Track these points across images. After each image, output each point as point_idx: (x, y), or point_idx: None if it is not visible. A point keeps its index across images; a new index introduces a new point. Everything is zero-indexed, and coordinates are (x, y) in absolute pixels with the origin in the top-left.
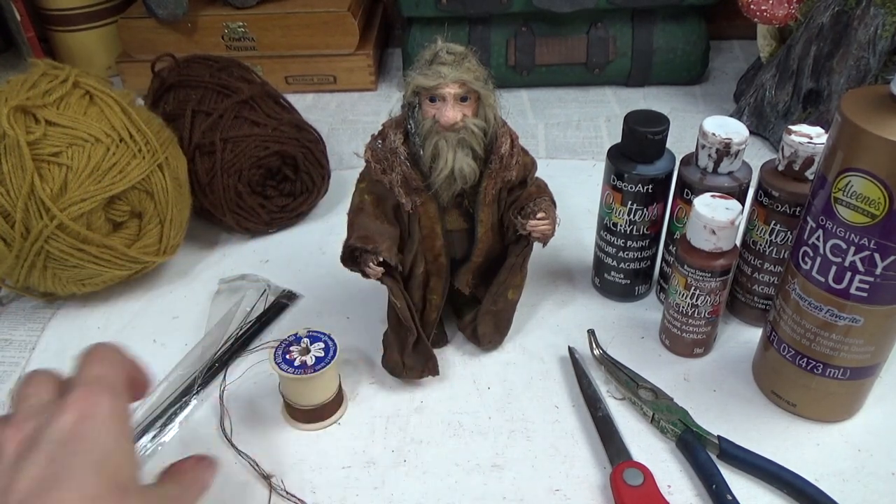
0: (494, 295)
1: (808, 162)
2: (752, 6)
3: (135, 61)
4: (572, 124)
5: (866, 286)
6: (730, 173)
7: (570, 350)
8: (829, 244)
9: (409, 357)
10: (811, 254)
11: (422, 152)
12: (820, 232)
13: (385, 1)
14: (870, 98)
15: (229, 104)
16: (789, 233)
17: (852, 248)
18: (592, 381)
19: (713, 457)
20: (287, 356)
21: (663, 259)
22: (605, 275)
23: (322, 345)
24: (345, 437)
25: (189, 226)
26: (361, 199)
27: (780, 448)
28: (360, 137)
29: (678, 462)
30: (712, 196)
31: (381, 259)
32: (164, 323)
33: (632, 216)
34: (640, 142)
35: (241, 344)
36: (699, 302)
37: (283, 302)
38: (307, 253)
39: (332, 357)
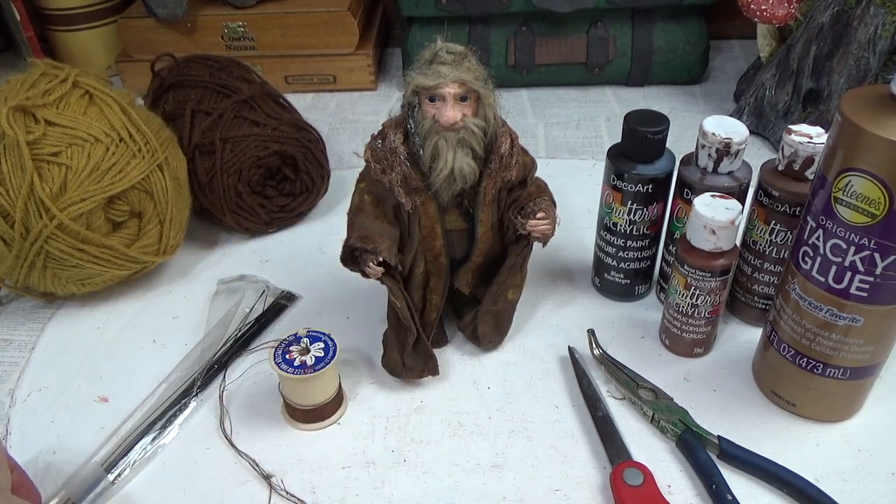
0: (494, 295)
1: (808, 162)
2: (751, 6)
3: (134, 61)
4: (572, 124)
5: (866, 286)
6: (730, 173)
7: (570, 350)
8: (829, 244)
9: (409, 357)
10: (811, 254)
11: (422, 152)
12: (820, 232)
13: (385, 0)
14: (870, 98)
15: (229, 104)
16: (789, 233)
17: (852, 248)
18: (592, 380)
19: (713, 457)
20: (287, 356)
21: (663, 259)
22: (605, 275)
23: (322, 345)
24: (345, 437)
25: (189, 226)
26: (361, 199)
27: (780, 448)
28: (359, 137)
29: (678, 462)
30: (712, 196)
31: (380, 259)
32: (163, 323)
33: (632, 216)
34: (640, 141)
35: (240, 344)
36: (699, 302)
37: (282, 303)
38: (307, 253)
39: (332, 357)
